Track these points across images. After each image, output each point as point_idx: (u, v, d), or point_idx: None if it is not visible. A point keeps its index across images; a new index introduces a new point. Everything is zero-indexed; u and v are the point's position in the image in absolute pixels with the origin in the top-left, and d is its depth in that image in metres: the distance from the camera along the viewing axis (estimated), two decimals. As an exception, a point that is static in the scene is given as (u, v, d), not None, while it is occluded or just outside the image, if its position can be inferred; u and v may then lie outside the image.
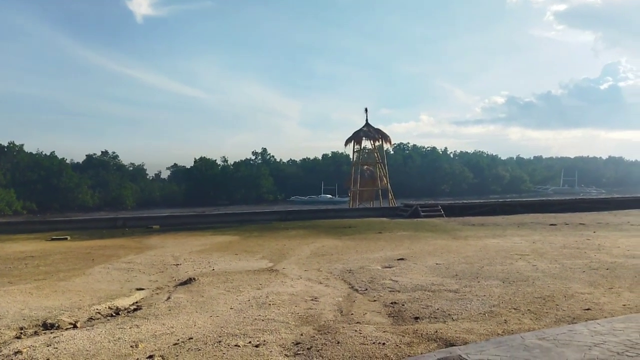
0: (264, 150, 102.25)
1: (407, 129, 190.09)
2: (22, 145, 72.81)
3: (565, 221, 20.41)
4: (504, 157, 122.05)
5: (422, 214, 26.07)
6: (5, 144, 71.15)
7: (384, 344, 5.25)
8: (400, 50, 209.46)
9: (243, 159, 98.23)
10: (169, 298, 7.79)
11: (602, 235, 15.09)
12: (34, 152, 74.50)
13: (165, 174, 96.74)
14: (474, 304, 6.93)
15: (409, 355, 4.93)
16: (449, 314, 6.42)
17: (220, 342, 5.40)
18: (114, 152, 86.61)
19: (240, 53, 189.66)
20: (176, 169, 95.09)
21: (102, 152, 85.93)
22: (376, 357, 4.88)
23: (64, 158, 77.09)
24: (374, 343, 5.28)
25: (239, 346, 5.24)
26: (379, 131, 38.13)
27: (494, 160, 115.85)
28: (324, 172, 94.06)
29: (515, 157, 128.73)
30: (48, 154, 75.62)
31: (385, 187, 37.71)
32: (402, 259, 11.24)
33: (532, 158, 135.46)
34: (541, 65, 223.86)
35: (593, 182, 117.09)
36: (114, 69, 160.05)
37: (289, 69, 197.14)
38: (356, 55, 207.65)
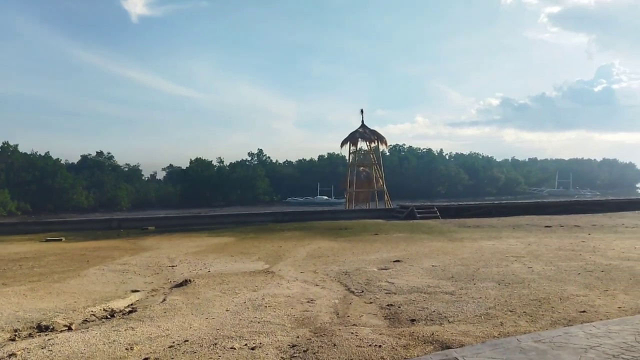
0: (260, 151, 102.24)
1: (403, 131, 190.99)
2: (17, 145, 72.50)
3: (560, 223, 20.48)
4: (499, 159, 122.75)
5: (418, 215, 26.13)
6: (0, 144, 70.81)
7: (380, 346, 5.25)
8: (395, 52, 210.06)
9: (239, 159, 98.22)
10: (164, 300, 7.76)
11: (597, 238, 15.15)
12: (29, 153, 74.08)
13: (160, 175, 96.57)
14: (470, 306, 6.94)
15: (405, 358, 4.93)
16: (445, 316, 6.43)
17: (216, 344, 5.38)
18: (109, 153, 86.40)
19: (236, 53, 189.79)
20: (172, 170, 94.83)
21: (97, 152, 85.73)
22: (372, 360, 4.87)
23: (58, 158, 76.87)
24: (370, 345, 5.27)
25: (234, 349, 5.22)
26: (374, 132, 38.15)
27: (489, 162, 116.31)
28: (320, 173, 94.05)
29: (510, 159, 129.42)
30: (43, 154, 75.25)
31: (381, 189, 37.74)
32: (398, 261, 11.24)
33: (527, 160, 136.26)
34: (535, 67, 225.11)
35: (587, 184, 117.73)
36: (109, 68, 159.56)
37: (284, 70, 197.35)
38: (352, 56, 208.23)
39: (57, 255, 13.59)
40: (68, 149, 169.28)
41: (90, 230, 22.89)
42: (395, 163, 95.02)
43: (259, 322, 6.25)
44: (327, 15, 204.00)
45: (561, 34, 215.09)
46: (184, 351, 5.17)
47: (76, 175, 74.50)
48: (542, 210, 28.27)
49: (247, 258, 12.55)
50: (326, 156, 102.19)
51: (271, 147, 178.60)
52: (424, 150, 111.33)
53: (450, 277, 9.18)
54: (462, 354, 4.87)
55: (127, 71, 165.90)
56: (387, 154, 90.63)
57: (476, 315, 6.43)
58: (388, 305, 7.15)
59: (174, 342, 5.47)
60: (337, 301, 7.49)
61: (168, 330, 5.97)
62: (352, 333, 5.73)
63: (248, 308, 7.05)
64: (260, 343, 5.39)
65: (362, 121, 37.82)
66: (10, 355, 5.04)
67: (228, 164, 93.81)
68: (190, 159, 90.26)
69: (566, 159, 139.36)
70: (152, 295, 8.24)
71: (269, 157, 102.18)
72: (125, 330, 5.98)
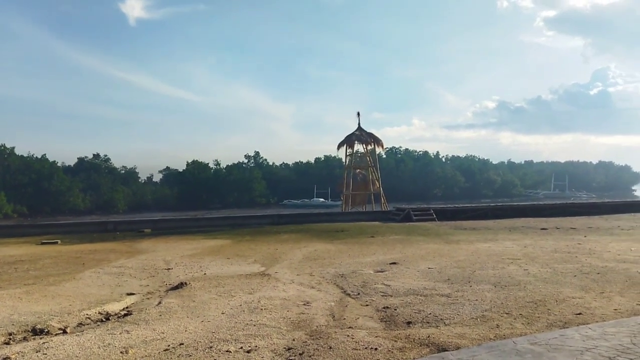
0: (257, 153, 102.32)
1: (399, 133, 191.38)
2: (13, 148, 72.32)
3: (556, 225, 20.52)
4: (495, 162, 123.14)
5: (414, 217, 26.12)
6: (-4, 147, 70.60)
7: (376, 349, 5.24)
8: (392, 55, 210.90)
9: (235, 162, 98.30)
10: (160, 303, 7.73)
11: (593, 240, 15.18)
12: (25, 155, 73.89)
13: (157, 177, 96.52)
14: (466, 308, 6.94)
15: (401, 361, 4.92)
16: (441, 319, 6.43)
17: (211, 347, 5.36)
18: (105, 155, 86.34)
19: (233, 56, 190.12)
20: (168, 172, 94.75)
21: (93, 155, 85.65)
22: (368, 363, 4.86)
23: (55, 161, 76.66)
24: (366, 348, 5.27)
25: (230, 352, 5.21)
26: (371, 135, 38.22)
27: (485, 165, 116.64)
28: (316, 175, 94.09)
29: (506, 162, 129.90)
30: (39, 156, 75.08)
31: (377, 191, 37.75)
32: (394, 263, 11.23)
33: (523, 162, 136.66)
34: (531, 71, 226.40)
35: (583, 187, 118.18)
36: (106, 71, 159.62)
37: (281, 72, 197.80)
38: (349, 59, 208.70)
39: (52, 258, 13.52)
40: (65, 152, 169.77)
41: (86, 232, 22.75)
42: (392, 165, 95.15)
43: (254, 325, 6.23)
44: (324, 18, 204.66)
45: (557, 37, 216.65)
46: (180, 354, 5.15)
47: (72, 178, 74.28)
48: (538, 212, 28.30)
49: (243, 260, 12.52)
50: (323, 159, 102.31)
51: (268, 149, 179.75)
52: (421, 152, 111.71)
53: (446, 279, 9.18)
54: (458, 357, 4.87)
55: (124, 74, 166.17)
56: (384, 156, 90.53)
57: (472, 318, 6.44)
58: (384, 307, 7.14)
59: (169, 346, 5.45)
60: (333, 304, 7.48)
61: (163, 333, 5.95)
62: (348, 336, 5.72)
63: (244, 311, 7.03)
64: (256, 346, 5.38)
65: (359, 124, 37.91)
66: (4, 359, 5.01)
67: (225, 166, 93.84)
68: (187, 162, 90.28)
69: (562, 161, 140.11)
70: (148, 298, 8.20)
71: (265, 160, 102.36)
72: (120, 333, 5.95)
